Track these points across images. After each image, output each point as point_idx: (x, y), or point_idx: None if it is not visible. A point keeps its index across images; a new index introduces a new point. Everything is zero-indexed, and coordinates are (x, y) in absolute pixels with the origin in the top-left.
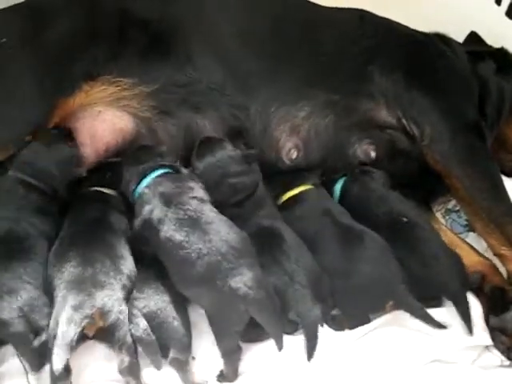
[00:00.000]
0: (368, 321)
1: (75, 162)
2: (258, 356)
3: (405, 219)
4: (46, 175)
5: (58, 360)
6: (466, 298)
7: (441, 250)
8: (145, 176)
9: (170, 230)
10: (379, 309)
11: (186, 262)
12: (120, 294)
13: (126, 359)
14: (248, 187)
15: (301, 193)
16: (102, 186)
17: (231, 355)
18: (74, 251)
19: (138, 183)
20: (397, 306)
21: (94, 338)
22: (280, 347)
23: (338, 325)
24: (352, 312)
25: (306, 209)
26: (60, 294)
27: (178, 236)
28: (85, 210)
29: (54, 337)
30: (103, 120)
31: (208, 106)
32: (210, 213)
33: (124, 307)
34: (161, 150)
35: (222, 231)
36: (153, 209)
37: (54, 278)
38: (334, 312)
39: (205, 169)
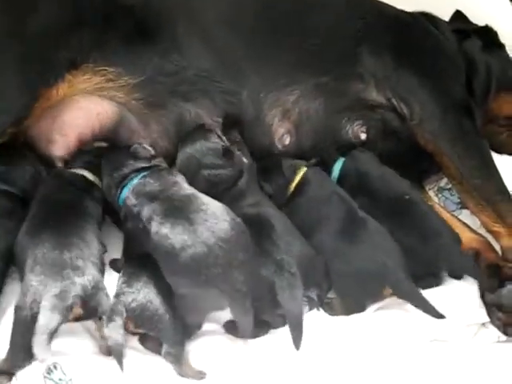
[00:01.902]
0: (363, 309)
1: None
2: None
3: (407, 196)
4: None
5: (40, 348)
6: (472, 265)
7: (442, 226)
8: (125, 184)
9: (157, 225)
10: (377, 294)
11: (171, 252)
12: (96, 273)
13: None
14: (225, 180)
15: (303, 177)
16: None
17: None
18: (49, 233)
19: (121, 191)
20: (395, 294)
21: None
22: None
23: (333, 310)
24: (349, 296)
25: (315, 188)
26: (36, 278)
27: (164, 228)
28: (60, 191)
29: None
30: (87, 109)
31: (198, 93)
32: (201, 199)
33: (102, 283)
34: (135, 149)
35: (210, 220)
36: (140, 210)
37: (26, 259)
38: (330, 296)
39: (182, 159)
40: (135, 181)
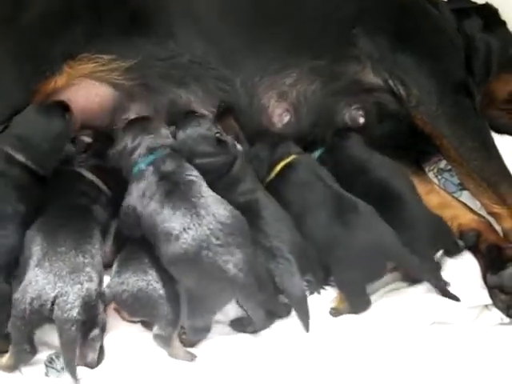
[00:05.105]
0: (368, 304)
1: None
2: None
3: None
4: (36, 151)
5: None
6: (432, 268)
7: (418, 216)
8: (151, 153)
9: (158, 202)
10: (380, 273)
11: (170, 235)
12: (98, 283)
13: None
14: (217, 168)
15: (293, 160)
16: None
17: (201, 333)
18: (65, 234)
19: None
20: (399, 266)
21: None
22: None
23: (338, 311)
24: (349, 283)
25: (300, 175)
26: (43, 275)
27: (165, 209)
28: (71, 194)
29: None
30: (81, 91)
31: (191, 79)
32: (203, 188)
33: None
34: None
35: (211, 206)
36: (148, 186)
37: (34, 254)
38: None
39: (177, 144)
40: (160, 154)
